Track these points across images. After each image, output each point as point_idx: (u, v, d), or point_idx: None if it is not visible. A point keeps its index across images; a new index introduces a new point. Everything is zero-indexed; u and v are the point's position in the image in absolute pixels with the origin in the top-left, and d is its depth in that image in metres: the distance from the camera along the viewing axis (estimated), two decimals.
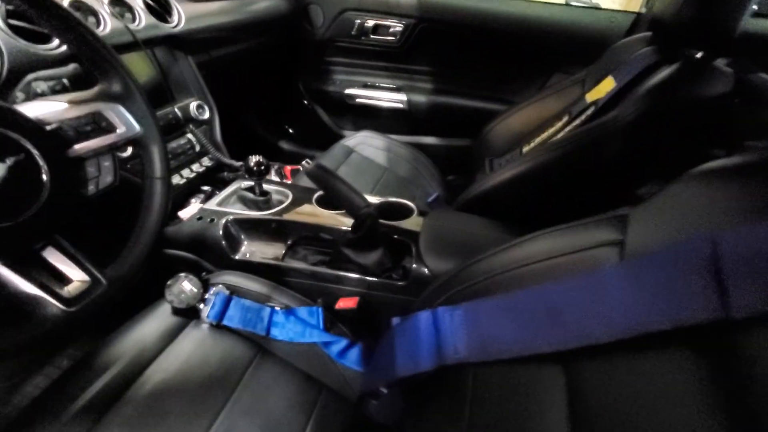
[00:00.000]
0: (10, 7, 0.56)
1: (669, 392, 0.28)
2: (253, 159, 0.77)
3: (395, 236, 0.74)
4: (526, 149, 1.04)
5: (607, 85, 0.91)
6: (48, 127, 0.41)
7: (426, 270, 0.68)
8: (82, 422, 0.50)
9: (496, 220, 0.80)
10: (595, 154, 0.76)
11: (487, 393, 0.41)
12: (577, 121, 0.90)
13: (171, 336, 0.62)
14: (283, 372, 0.62)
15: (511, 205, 0.86)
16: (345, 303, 0.69)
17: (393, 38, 1.39)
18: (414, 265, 0.70)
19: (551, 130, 1.00)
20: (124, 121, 0.49)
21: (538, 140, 1.02)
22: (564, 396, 0.34)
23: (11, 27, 0.57)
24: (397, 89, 1.46)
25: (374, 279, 0.72)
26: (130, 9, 0.83)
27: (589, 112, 0.89)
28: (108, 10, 0.75)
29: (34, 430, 0.48)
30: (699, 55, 0.72)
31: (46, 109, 0.42)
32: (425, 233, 0.73)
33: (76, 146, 0.43)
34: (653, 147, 0.77)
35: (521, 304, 0.41)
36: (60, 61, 0.59)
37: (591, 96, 0.94)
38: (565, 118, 0.98)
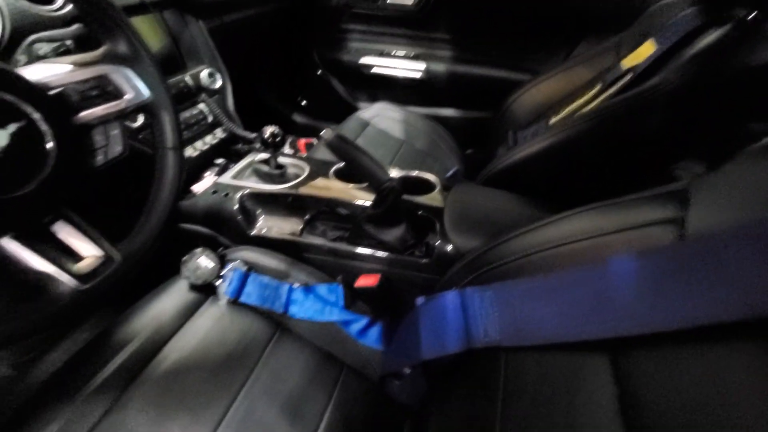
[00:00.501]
0: None
1: (740, 389, 0.25)
2: (268, 130, 0.73)
3: (419, 212, 0.71)
4: (553, 121, 0.98)
5: (647, 50, 0.83)
6: (51, 92, 0.38)
7: (450, 247, 0.65)
8: (102, 399, 0.49)
9: (523, 195, 0.76)
10: (632, 125, 0.71)
11: (522, 380, 0.39)
12: (612, 90, 0.84)
13: (188, 313, 0.61)
14: (303, 350, 0.61)
15: (539, 180, 0.81)
16: (365, 280, 0.67)
17: (411, 3, 1.31)
18: (438, 242, 0.66)
19: (581, 100, 0.94)
20: (132, 86, 0.45)
21: (566, 111, 0.96)
22: (612, 388, 0.31)
23: None
24: (415, 58, 1.39)
25: (396, 256, 0.69)
26: None
27: (626, 79, 0.83)
28: None
29: (54, 407, 0.48)
30: (752, 16, 0.65)
31: (48, 72, 0.39)
32: (450, 209, 0.69)
33: (82, 113, 0.40)
34: (697, 118, 0.71)
35: (562, 286, 0.37)
36: (64, 22, 0.55)
37: (628, 62, 0.87)
38: (598, 87, 0.91)
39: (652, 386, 0.29)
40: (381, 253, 0.69)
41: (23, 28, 0.51)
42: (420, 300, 0.55)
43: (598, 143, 0.74)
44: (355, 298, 0.67)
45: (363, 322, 0.64)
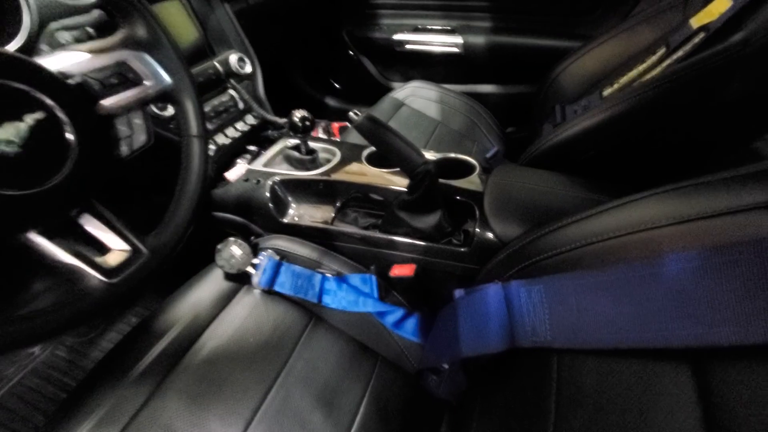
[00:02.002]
0: None
1: None
2: (297, 114, 0.71)
3: (456, 197, 0.66)
4: (607, 92, 0.88)
5: (720, 5, 0.72)
6: (71, 81, 0.37)
7: (491, 235, 0.60)
8: (145, 386, 0.50)
9: (573, 177, 0.68)
10: (707, 93, 0.61)
11: (580, 387, 0.34)
12: (680, 53, 0.74)
13: (224, 301, 0.61)
14: (337, 340, 0.59)
15: (592, 160, 0.73)
16: (400, 270, 0.64)
17: None
18: (477, 230, 0.62)
19: (642, 67, 0.83)
20: (152, 72, 0.44)
21: (623, 80, 0.86)
22: (695, 403, 0.26)
23: None
24: (452, 31, 1.30)
25: (432, 244, 0.65)
26: None
27: (696, 40, 0.72)
28: None
29: (101, 392, 0.49)
30: None
31: (66, 60, 0.38)
32: (490, 193, 0.64)
33: (104, 103, 0.39)
34: None
35: (631, 283, 0.32)
36: (84, 8, 0.54)
37: (698, 20, 0.76)
38: (661, 51, 0.81)
39: (746, 402, 0.24)
40: (416, 242, 0.66)
41: (47, 17, 0.51)
42: (459, 292, 0.51)
43: (663, 115, 0.65)
44: (389, 288, 0.64)
45: (398, 313, 0.61)
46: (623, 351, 0.32)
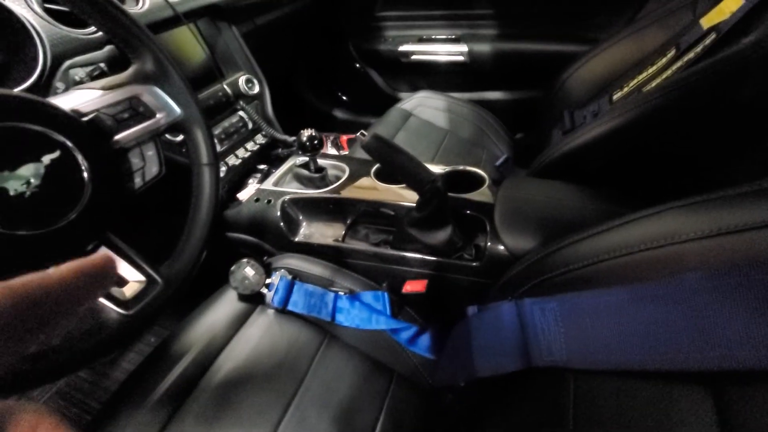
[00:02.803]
0: None
1: None
2: (305, 134, 0.71)
3: (467, 211, 0.66)
4: (617, 96, 0.87)
5: (731, 5, 0.70)
6: (84, 119, 0.38)
7: (503, 249, 0.59)
8: (163, 411, 0.51)
9: (585, 187, 0.67)
10: (721, 96, 0.60)
11: (596, 409, 0.34)
12: (691, 55, 0.72)
13: (239, 322, 0.61)
14: (351, 358, 0.59)
15: (604, 169, 0.71)
16: (412, 286, 0.63)
17: None
18: (489, 244, 0.61)
19: (651, 70, 0.82)
20: (163, 104, 0.45)
21: (633, 84, 0.84)
22: (716, 428, 0.26)
23: (47, 11, 0.54)
24: (456, 40, 1.30)
25: (444, 260, 0.64)
26: None
27: (707, 41, 0.70)
28: None
29: (121, 418, 0.50)
30: None
31: (80, 98, 0.39)
32: (501, 206, 0.63)
33: (117, 137, 0.40)
34: None
35: (646, 302, 0.31)
36: (97, 44, 0.56)
37: (708, 20, 0.74)
38: (672, 53, 0.79)
39: (765, 426, 0.23)
40: (427, 257, 0.65)
41: (62, 54, 0.52)
42: (472, 309, 0.51)
43: (675, 120, 0.64)
44: (402, 305, 0.64)
45: (412, 330, 0.61)
46: (640, 372, 0.31)
